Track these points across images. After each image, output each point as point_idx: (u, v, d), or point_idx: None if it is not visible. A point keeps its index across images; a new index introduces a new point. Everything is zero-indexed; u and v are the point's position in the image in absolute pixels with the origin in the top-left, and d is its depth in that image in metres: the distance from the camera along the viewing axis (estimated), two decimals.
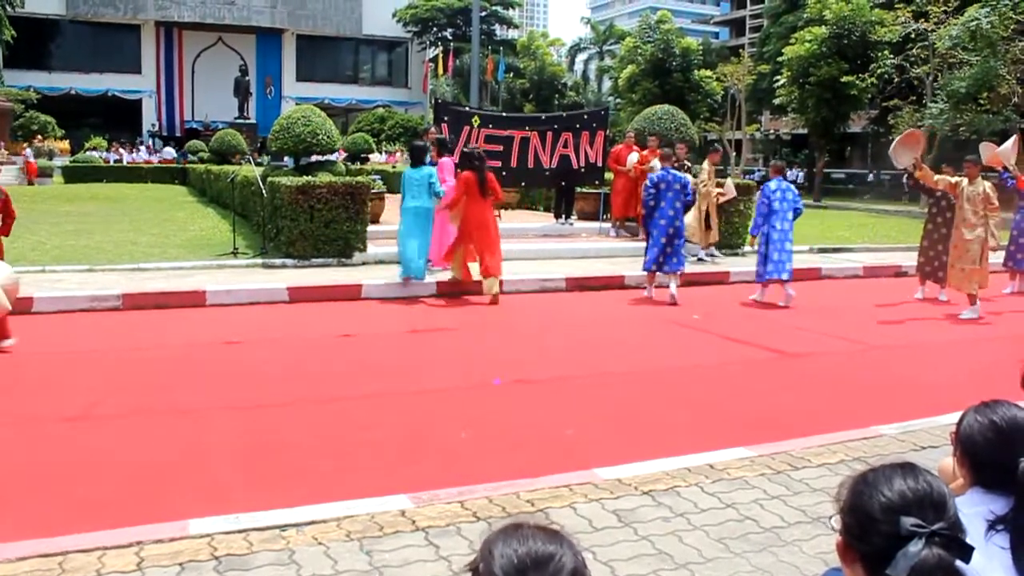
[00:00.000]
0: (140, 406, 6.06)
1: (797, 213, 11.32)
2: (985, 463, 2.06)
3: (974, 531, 1.89)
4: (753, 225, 11.77)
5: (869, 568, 1.50)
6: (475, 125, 15.04)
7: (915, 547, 1.42)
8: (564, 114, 18.56)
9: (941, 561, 1.41)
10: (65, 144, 39.35)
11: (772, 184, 11.36)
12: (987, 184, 10.37)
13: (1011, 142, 11.50)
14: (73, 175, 31.43)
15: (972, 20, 27.37)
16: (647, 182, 11.47)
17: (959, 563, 1.43)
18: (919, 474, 1.54)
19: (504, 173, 15.52)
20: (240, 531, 3.85)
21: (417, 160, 11.25)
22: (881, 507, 1.49)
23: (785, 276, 10.99)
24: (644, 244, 14.54)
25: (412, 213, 10.93)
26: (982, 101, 28.13)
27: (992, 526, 1.93)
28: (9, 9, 41.21)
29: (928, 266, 11.68)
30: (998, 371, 7.63)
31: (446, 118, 15.07)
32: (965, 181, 10.41)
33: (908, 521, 1.45)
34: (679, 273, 11.07)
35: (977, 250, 10.24)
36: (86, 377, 6.78)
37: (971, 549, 1.45)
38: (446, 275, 11.57)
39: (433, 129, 14.28)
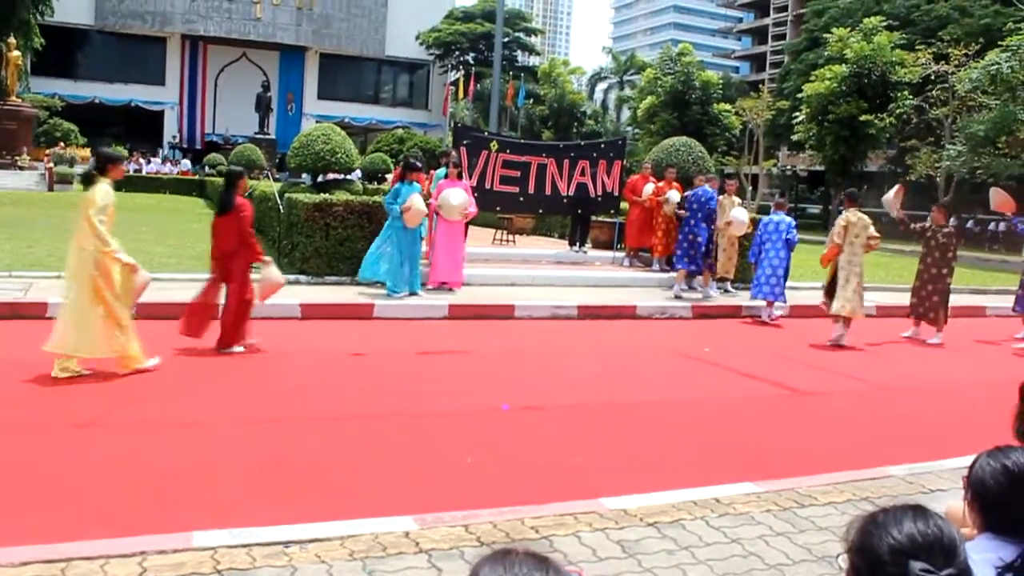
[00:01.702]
0: (148, 417, 6.08)
1: (790, 243, 12.28)
2: (996, 508, 2.04)
3: None
4: (750, 254, 12.95)
5: None
6: (493, 150, 15.11)
7: None
8: (582, 142, 18.66)
9: None
10: (86, 152, 39.71)
11: (765, 218, 12.72)
12: (840, 218, 11.32)
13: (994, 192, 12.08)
14: (92, 183, 31.69)
15: (993, 64, 27.44)
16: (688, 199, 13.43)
17: None
18: (930, 518, 1.53)
19: (521, 199, 15.59)
20: (243, 545, 3.85)
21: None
22: (890, 549, 1.48)
23: (771, 298, 12.26)
24: (657, 275, 14.72)
25: None
26: (1000, 145, 28.12)
27: (1001, 573, 1.91)
28: (39, 17, 41.77)
29: (921, 307, 11.80)
30: (1010, 416, 7.58)
31: (466, 142, 15.15)
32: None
33: (917, 566, 1.43)
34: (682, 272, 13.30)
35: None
36: (96, 385, 6.81)
37: None
38: (456, 298, 11.61)
39: (453, 152, 14.37)
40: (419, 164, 12.00)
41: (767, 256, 12.24)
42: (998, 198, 12.30)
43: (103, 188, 6.99)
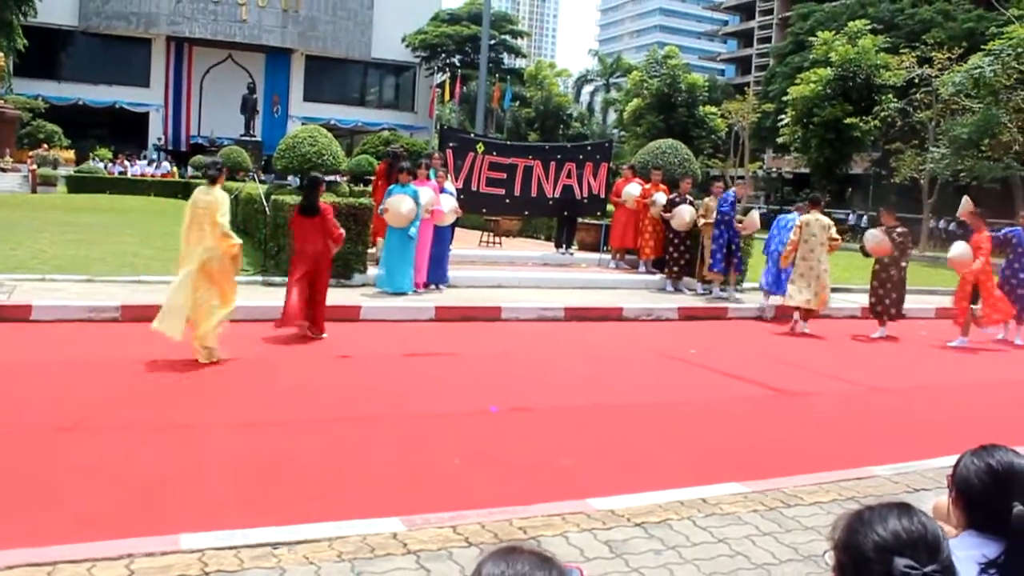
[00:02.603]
0: (135, 419, 6.06)
1: None
2: (979, 506, 2.06)
3: (966, 574, 1.90)
4: (764, 250, 13.91)
5: None
6: (480, 152, 15.12)
7: None
8: (568, 144, 18.71)
9: None
10: (70, 154, 39.51)
11: (780, 216, 13.88)
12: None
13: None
14: (77, 185, 31.52)
15: (976, 68, 27.65)
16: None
17: None
18: (914, 515, 1.55)
19: (507, 201, 15.61)
20: (231, 547, 3.84)
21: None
22: (875, 546, 1.50)
23: (772, 291, 13.24)
24: (643, 277, 14.82)
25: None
26: (983, 148, 28.32)
27: (984, 570, 1.93)
28: (22, 18, 41.51)
29: (880, 305, 12.18)
30: (995, 417, 7.64)
31: (452, 144, 15.16)
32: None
33: (901, 562, 1.45)
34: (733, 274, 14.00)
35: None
36: (82, 388, 6.78)
37: None
38: (443, 299, 11.61)
39: (438, 155, 14.38)
40: (406, 165, 12.09)
41: (776, 251, 13.07)
42: (967, 207, 12.52)
43: (223, 195, 8.07)
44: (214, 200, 7.90)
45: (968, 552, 1.97)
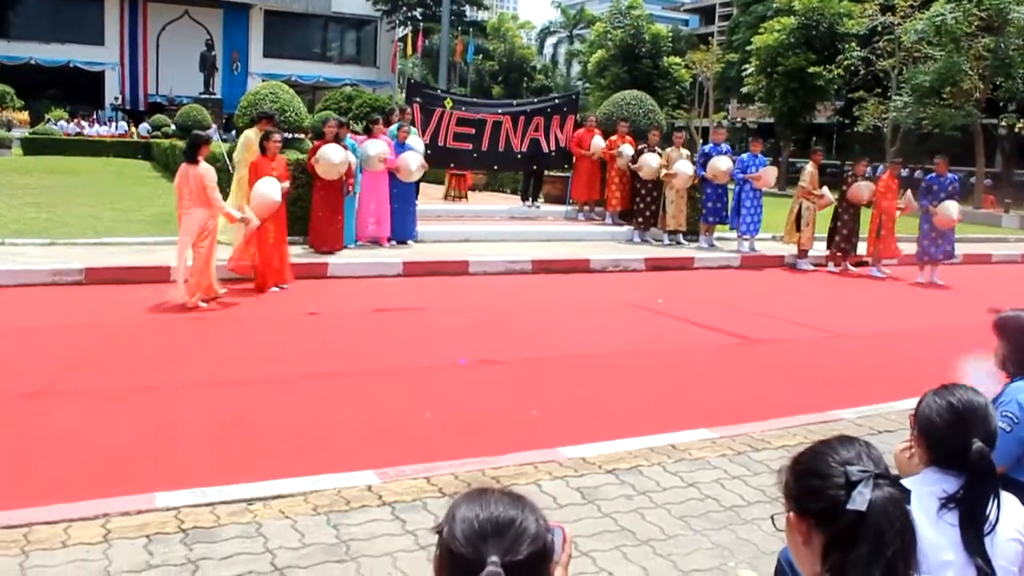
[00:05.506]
0: (104, 382, 6.02)
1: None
2: (940, 443, 2.13)
3: (927, 509, 1.97)
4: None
5: (824, 523, 1.59)
6: (448, 108, 15.00)
7: (867, 487, 1.56)
8: (536, 100, 18.61)
9: (892, 495, 1.57)
10: (24, 115, 38.55)
11: (744, 156, 14.41)
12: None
13: None
14: (32, 147, 30.80)
15: (937, 15, 27.69)
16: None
17: None
18: (854, 439, 1.71)
19: (475, 155, 15.53)
20: (207, 504, 3.86)
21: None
22: (834, 462, 1.64)
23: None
24: (609, 228, 14.84)
25: None
26: (945, 96, 28.48)
27: (944, 504, 2.00)
28: None
29: (844, 243, 13.51)
30: (955, 360, 7.81)
31: (418, 99, 15.00)
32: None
33: (855, 467, 1.60)
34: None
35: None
36: (48, 352, 6.71)
37: (908, 491, 1.61)
38: (410, 254, 11.59)
39: (407, 109, 14.22)
40: (343, 120, 12.62)
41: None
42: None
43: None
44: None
45: (929, 488, 2.04)
